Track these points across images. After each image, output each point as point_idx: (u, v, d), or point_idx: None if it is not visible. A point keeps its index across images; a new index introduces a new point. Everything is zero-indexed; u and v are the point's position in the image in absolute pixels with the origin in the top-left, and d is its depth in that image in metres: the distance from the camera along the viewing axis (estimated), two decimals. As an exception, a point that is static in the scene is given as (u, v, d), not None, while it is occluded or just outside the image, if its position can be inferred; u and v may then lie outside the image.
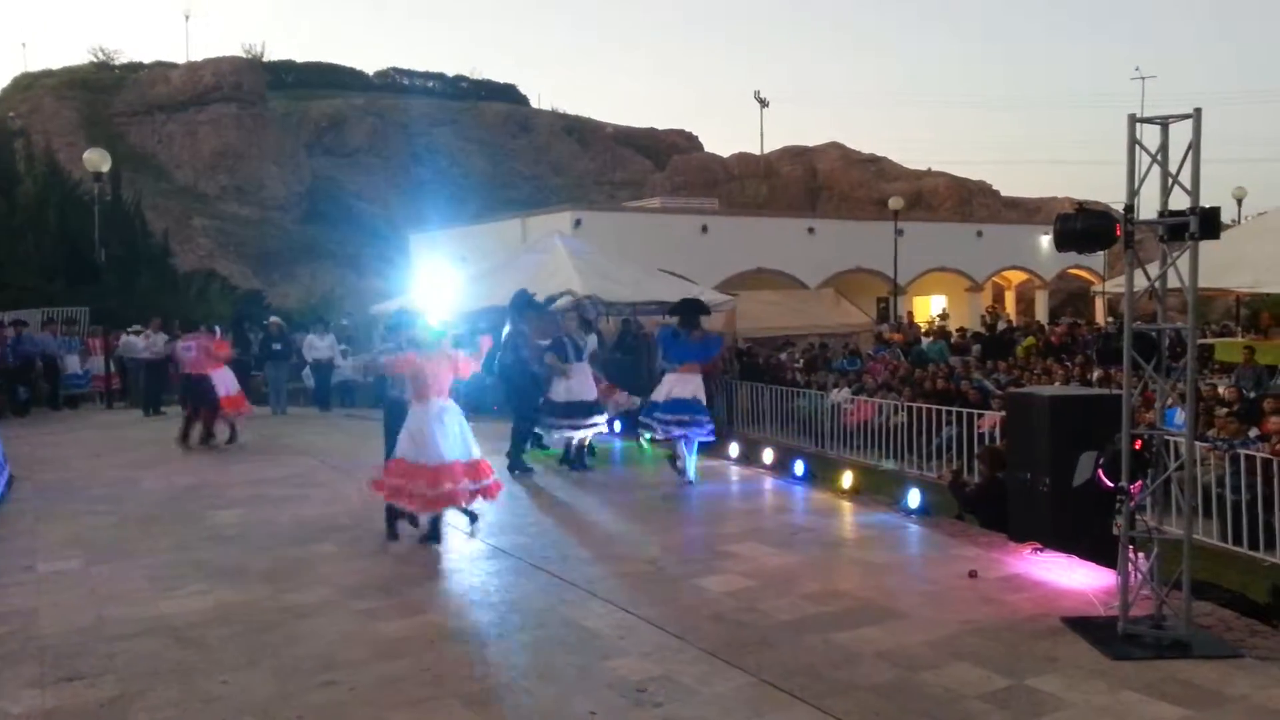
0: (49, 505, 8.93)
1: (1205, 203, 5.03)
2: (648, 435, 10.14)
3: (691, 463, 9.59)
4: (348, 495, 9.19)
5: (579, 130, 49.45)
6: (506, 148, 45.91)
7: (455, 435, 7.15)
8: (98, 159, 19.29)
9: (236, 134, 38.14)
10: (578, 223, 22.84)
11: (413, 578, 6.51)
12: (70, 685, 4.69)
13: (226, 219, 36.17)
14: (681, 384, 9.55)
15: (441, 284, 18.08)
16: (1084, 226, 5.15)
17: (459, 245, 24.51)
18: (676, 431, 9.51)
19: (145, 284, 23.25)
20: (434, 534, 7.29)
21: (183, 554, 7.09)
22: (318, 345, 17.00)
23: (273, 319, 17.46)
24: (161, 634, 5.40)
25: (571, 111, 52.12)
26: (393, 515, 7.45)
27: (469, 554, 7.15)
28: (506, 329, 10.45)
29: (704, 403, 9.68)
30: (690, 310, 9.96)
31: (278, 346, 16.23)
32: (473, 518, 7.62)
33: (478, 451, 7.32)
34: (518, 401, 10.33)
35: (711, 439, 9.92)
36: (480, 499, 7.32)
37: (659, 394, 9.67)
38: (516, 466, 9.92)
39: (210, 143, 38.09)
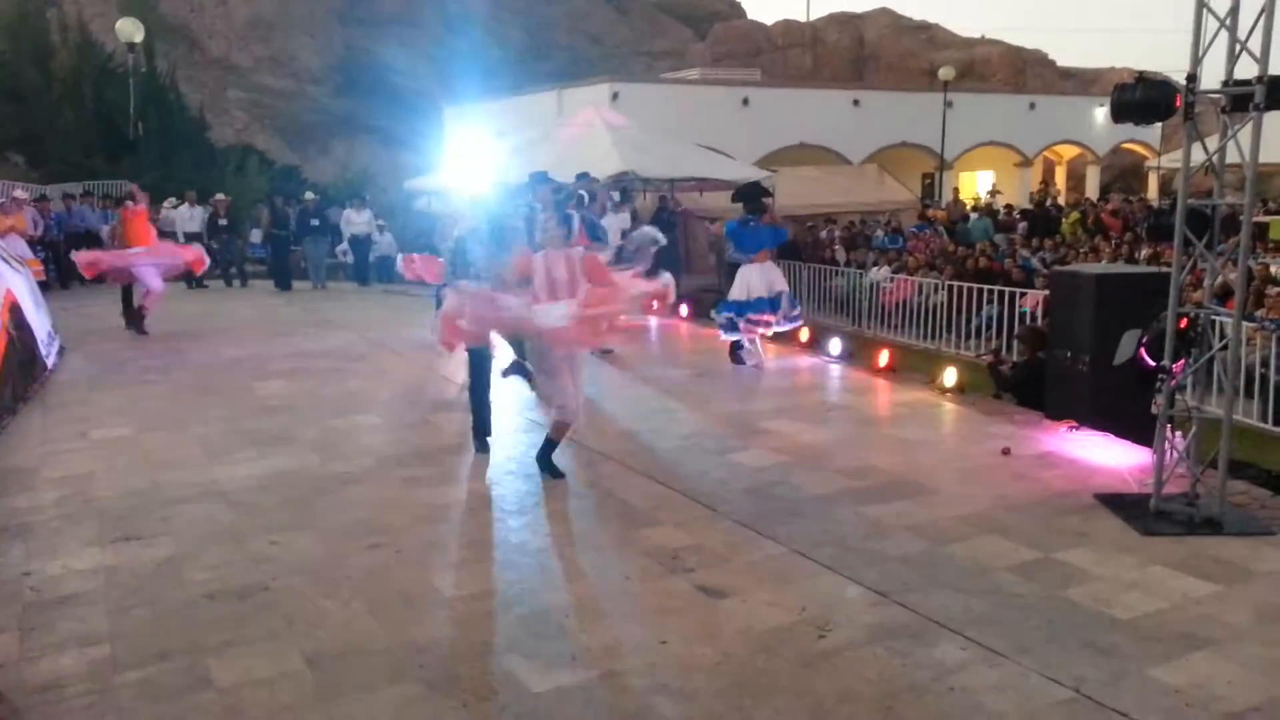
0: (99, 375, 9.20)
1: (1276, 75, 4.78)
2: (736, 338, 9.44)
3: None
4: (389, 369, 9.37)
5: (617, -3, 47.73)
6: (542, 16, 44.51)
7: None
8: (130, 28, 19.03)
9: (268, 1, 37.33)
10: (615, 95, 22.31)
11: (453, 448, 6.66)
12: (128, 545, 4.92)
13: (261, 91, 35.78)
14: (760, 275, 9.18)
15: (477, 158, 17.86)
16: (1143, 96, 4.93)
17: (495, 118, 24.10)
18: (764, 330, 9.26)
19: (183, 158, 23.26)
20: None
21: (232, 423, 7.31)
22: (355, 220, 17.04)
23: (308, 194, 17.48)
24: (214, 498, 5.62)
25: (610, -23, 50.17)
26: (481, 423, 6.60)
27: (507, 426, 7.29)
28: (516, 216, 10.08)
29: (788, 290, 9.47)
30: (756, 195, 9.61)
31: (315, 222, 16.29)
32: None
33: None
34: None
35: (799, 323, 9.69)
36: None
37: (739, 291, 9.22)
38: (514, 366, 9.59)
39: (242, 11, 37.36)
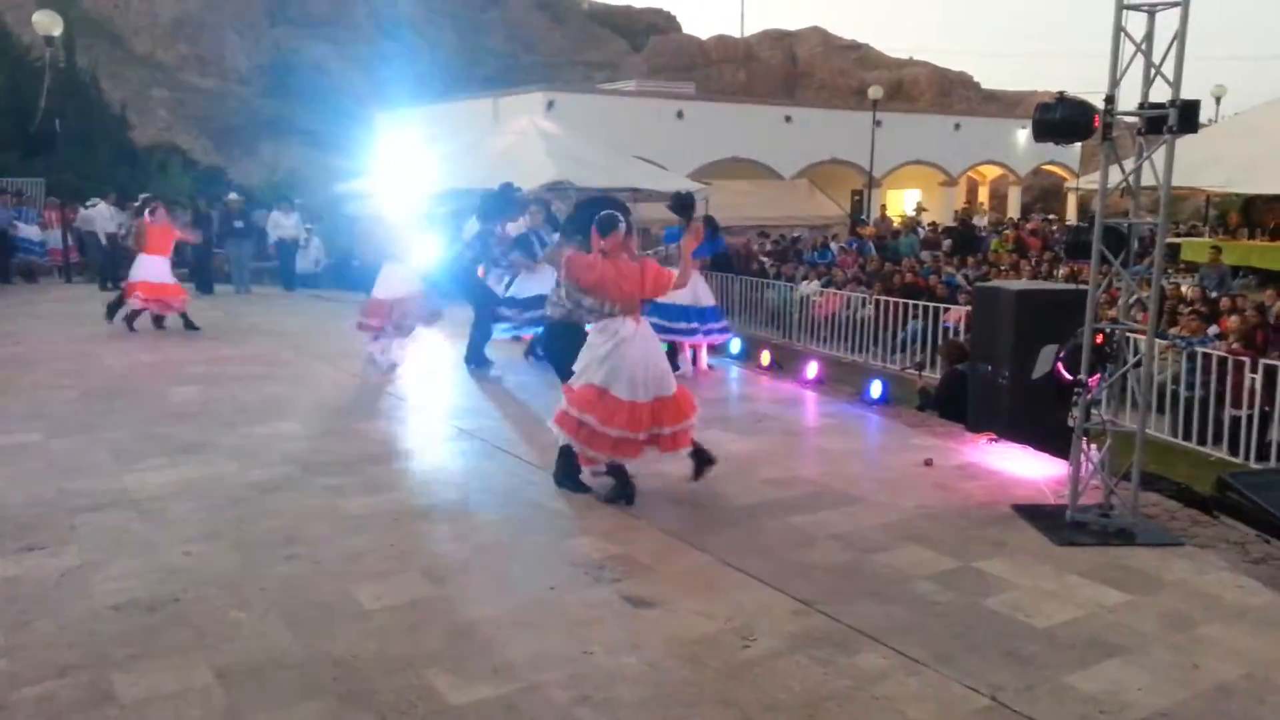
0: (9, 378, 8.82)
1: (1189, 99, 4.97)
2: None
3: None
4: (313, 375, 9.16)
5: (552, 6, 47.73)
6: (476, 22, 44.29)
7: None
8: (48, 21, 18.35)
9: (196, 0, 36.45)
10: (550, 104, 22.30)
11: (377, 457, 6.53)
12: (31, 554, 4.71)
13: (187, 90, 34.88)
14: (693, 286, 9.05)
15: (409, 163, 17.66)
16: (1062, 116, 5.08)
17: (427, 123, 23.87)
18: (689, 338, 9.25)
19: (102, 157, 22.53)
20: (623, 491, 5.60)
21: (145, 429, 7.06)
22: (282, 223, 16.68)
23: (232, 195, 17.07)
24: (123, 507, 5.41)
25: (545, -14, 50.16)
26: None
27: (433, 435, 7.18)
28: (471, 223, 10.02)
29: (715, 304, 9.49)
30: (693, 204, 9.57)
31: (239, 224, 15.91)
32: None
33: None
34: (479, 297, 9.53)
35: (727, 337, 9.69)
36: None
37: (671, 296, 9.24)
38: (474, 360, 9.42)
39: (168, 8, 36.41)
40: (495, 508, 5.56)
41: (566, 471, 5.78)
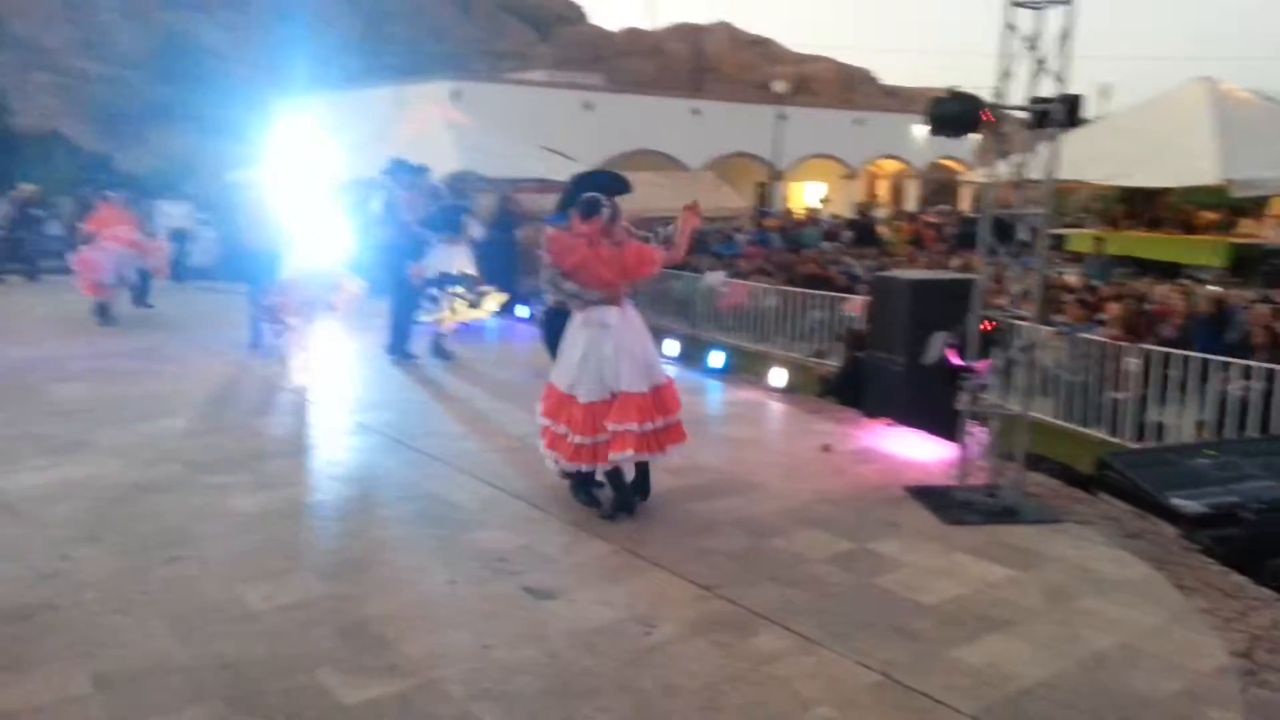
0: None
1: (1073, 94, 5.17)
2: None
3: None
4: (202, 370, 8.84)
5: (459, -6, 46.92)
6: (381, 9, 43.20)
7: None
8: (-90, -1, 17.25)
9: (79, -21, 34.71)
10: (456, 94, 21.96)
11: (270, 453, 6.34)
12: (-109, 563, 4.43)
13: (72, 75, 33.19)
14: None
15: (309, 152, 17.14)
16: (953, 110, 5.24)
17: (329, 111, 23.24)
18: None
19: (-24, 143, 21.31)
20: (621, 503, 5.28)
21: (20, 428, 6.70)
22: (172, 213, 16.04)
23: (110, 192, 16.33)
24: (-5, 510, 5.13)
25: (450, -26, 49.27)
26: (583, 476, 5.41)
27: (331, 429, 7.01)
28: (376, 200, 9.91)
29: None
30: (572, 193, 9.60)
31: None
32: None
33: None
34: (399, 278, 9.42)
35: None
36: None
37: None
38: (397, 352, 9.35)
39: (49, -12, 34.55)
40: (393, 503, 5.46)
41: (579, 483, 5.40)
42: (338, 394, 8.15)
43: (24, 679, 3.48)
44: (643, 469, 5.33)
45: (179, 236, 16.17)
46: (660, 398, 5.18)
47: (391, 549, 4.81)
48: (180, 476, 5.77)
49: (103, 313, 11.34)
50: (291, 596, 4.21)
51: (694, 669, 3.71)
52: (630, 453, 5.03)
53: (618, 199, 5.32)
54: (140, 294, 11.98)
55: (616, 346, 5.11)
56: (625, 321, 5.22)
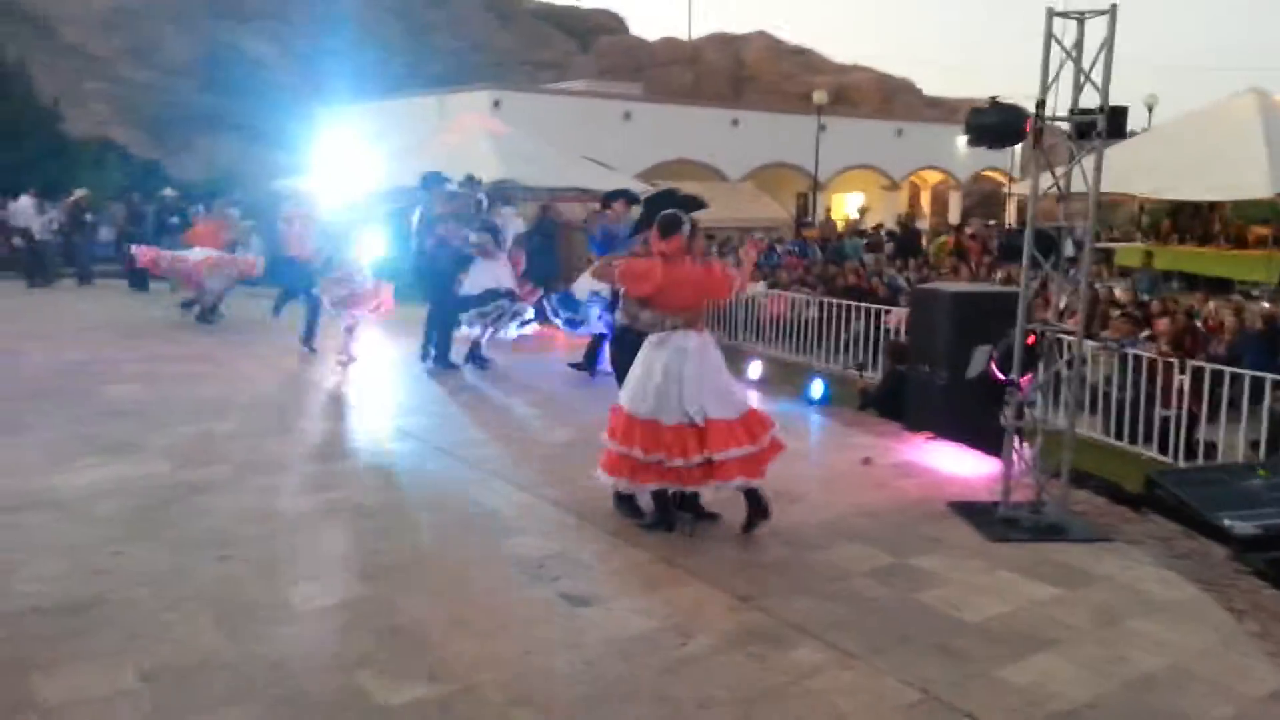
0: (-73, 377, 8.51)
1: (1117, 105, 5.11)
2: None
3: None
4: (251, 374, 8.99)
5: (499, 5, 47.36)
6: (423, 19, 43.77)
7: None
8: (-27, 10, 17.78)
9: (130, -10, 35.52)
10: (497, 103, 22.19)
11: (314, 456, 6.43)
12: (-52, 558, 4.54)
13: (122, 83, 33.96)
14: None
15: (351, 161, 17.40)
16: (995, 121, 5.19)
17: (371, 121, 23.58)
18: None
19: (31, 150, 21.86)
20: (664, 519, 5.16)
21: (73, 429, 6.86)
22: (219, 220, 16.29)
23: (167, 190, 16.71)
24: (48, 508, 5.25)
25: (492, -16, 49.76)
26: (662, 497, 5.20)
27: (373, 435, 7.09)
28: (418, 212, 9.99)
29: None
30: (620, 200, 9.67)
31: (174, 220, 15.55)
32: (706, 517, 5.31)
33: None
34: (440, 289, 9.39)
35: None
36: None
37: (583, 290, 9.17)
38: (440, 361, 9.33)
39: (102, -1, 35.41)
40: (433, 508, 5.51)
41: (622, 497, 5.28)
42: (379, 400, 8.24)
43: (74, 671, 3.56)
44: (752, 494, 5.07)
45: (225, 244, 16.44)
46: (748, 423, 5.00)
47: (431, 554, 4.85)
48: (229, 477, 5.87)
49: (203, 315, 11.79)
50: (334, 598, 4.26)
51: (730, 681, 3.70)
52: (739, 480, 4.89)
53: (695, 215, 5.20)
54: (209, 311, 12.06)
55: (698, 373, 4.93)
56: (703, 346, 5.05)
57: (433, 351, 9.40)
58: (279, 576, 4.46)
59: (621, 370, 5.50)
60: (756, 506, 5.07)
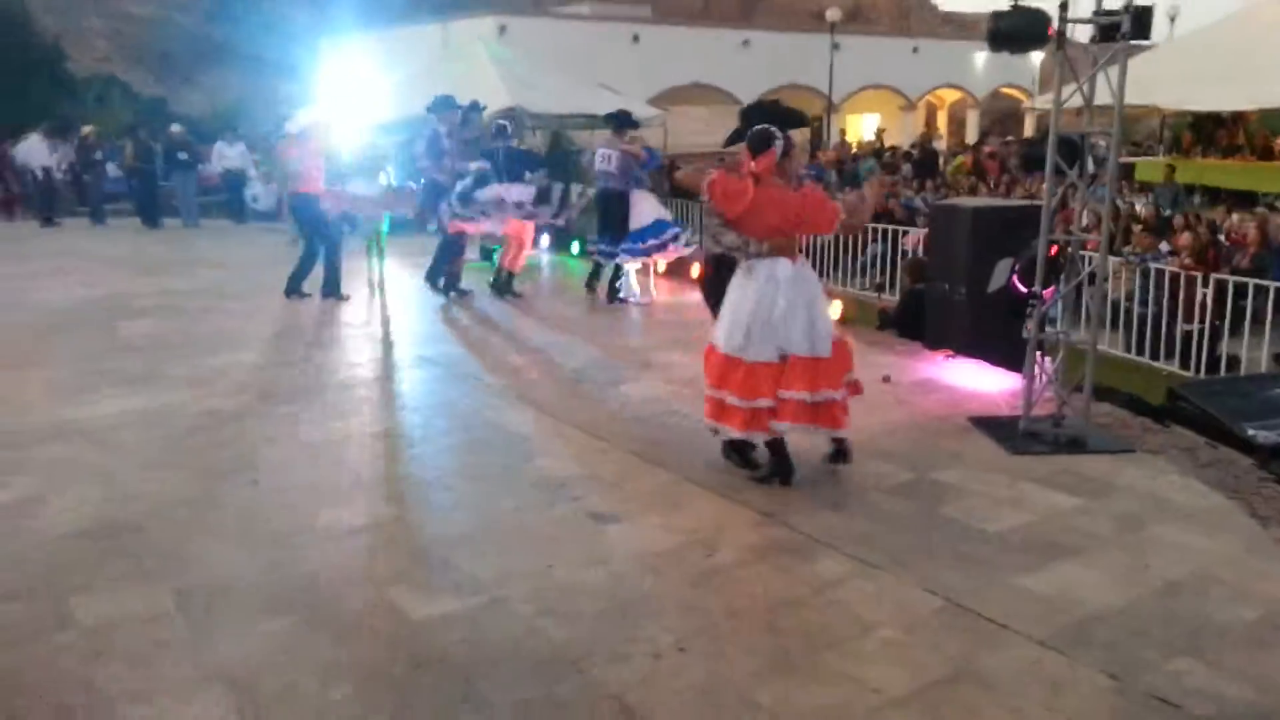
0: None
1: (1142, 4, 4.94)
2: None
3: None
4: (267, 307, 9.00)
5: (504, -72, 46.11)
6: (426, -54, 42.71)
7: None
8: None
9: (128, -78, 34.75)
10: (502, 29, 21.77)
11: (337, 384, 6.46)
12: (-20, 487, 4.62)
13: (124, 19, 33.47)
14: (652, 203, 9.20)
15: (356, 92, 17.15)
16: (1016, 24, 5.03)
17: (375, 50, 23.18)
18: (655, 254, 9.19)
19: (36, 89, 21.66)
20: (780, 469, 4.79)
21: (92, 364, 6.90)
22: (227, 154, 16.22)
23: (174, 126, 16.55)
24: (74, 438, 5.31)
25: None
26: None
27: (394, 362, 7.11)
28: (421, 138, 9.86)
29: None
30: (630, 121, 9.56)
31: (183, 155, 15.45)
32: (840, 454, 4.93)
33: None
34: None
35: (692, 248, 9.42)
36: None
37: (640, 220, 9.06)
38: (449, 288, 9.37)
39: (99, -69, 34.68)
40: (456, 432, 5.54)
41: (733, 445, 4.92)
42: (400, 329, 8.25)
43: (111, 594, 3.62)
44: (836, 440, 4.81)
45: (236, 178, 16.36)
46: (827, 367, 4.61)
47: (456, 476, 4.89)
48: (251, 406, 5.91)
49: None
50: (361, 520, 4.31)
51: (756, 591, 3.74)
52: (788, 424, 4.57)
53: (792, 134, 4.72)
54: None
55: (790, 303, 4.56)
56: (799, 277, 4.65)
57: (441, 281, 9.36)
58: (307, 501, 4.51)
59: (715, 300, 5.15)
60: (838, 451, 4.84)
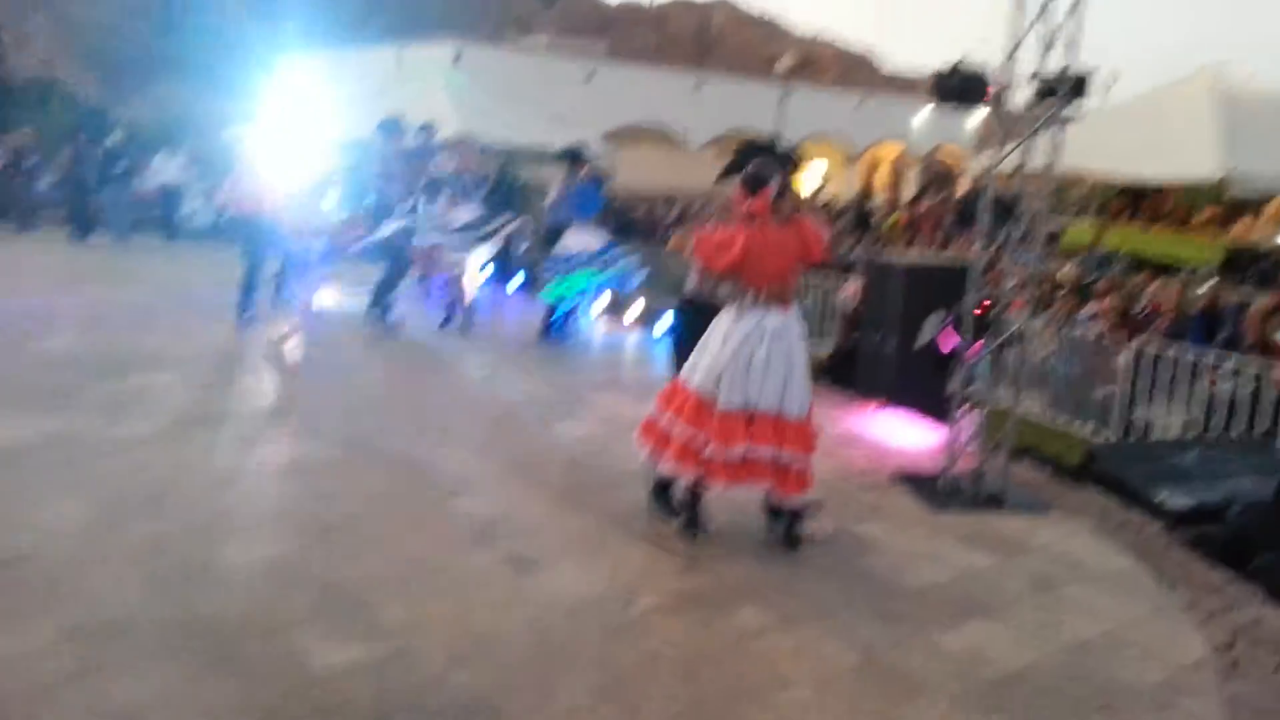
0: None
1: (1080, 70, 5.11)
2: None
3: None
4: (194, 327, 8.77)
5: (463, -43, 46.31)
6: (384, -31, 42.65)
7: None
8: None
9: (78, -75, 34.13)
10: (458, 56, 21.72)
11: (255, 412, 6.30)
12: None
13: (71, 22, 32.72)
14: (593, 238, 9.21)
15: (309, 110, 16.93)
16: (959, 82, 5.18)
17: (328, 70, 22.98)
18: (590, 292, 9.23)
19: (-32, 89, 21.01)
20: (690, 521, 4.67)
21: (3, 379, 6.63)
22: (166, 167, 15.85)
23: (114, 135, 16.15)
24: (-25, 459, 5.08)
25: (455, -64, 48.60)
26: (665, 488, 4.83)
27: (318, 391, 6.96)
28: (370, 159, 9.82)
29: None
30: (580, 156, 9.60)
31: (121, 165, 15.07)
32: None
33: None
34: (389, 241, 9.18)
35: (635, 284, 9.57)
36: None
37: (570, 248, 9.11)
38: (379, 307, 9.22)
39: (46, -67, 33.97)
40: (377, 468, 5.42)
41: (660, 488, 4.78)
42: (325, 358, 8.09)
43: (-2, 627, 3.45)
44: (787, 510, 4.63)
45: (171, 193, 15.99)
46: (798, 431, 4.49)
47: (374, 513, 4.78)
48: (165, 431, 5.71)
49: None
50: (272, 557, 4.18)
51: (674, 642, 3.71)
52: (769, 488, 4.48)
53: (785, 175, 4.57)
54: None
55: (769, 356, 4.39)
56: (786, 330, 4.47)
57: (382, 308, 9.25)
58: (215, 534, 4.36)
59: (681, 350, 4.97)
60: (786, 529, 4.61)
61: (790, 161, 4.70)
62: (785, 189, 4.47)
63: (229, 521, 4.51)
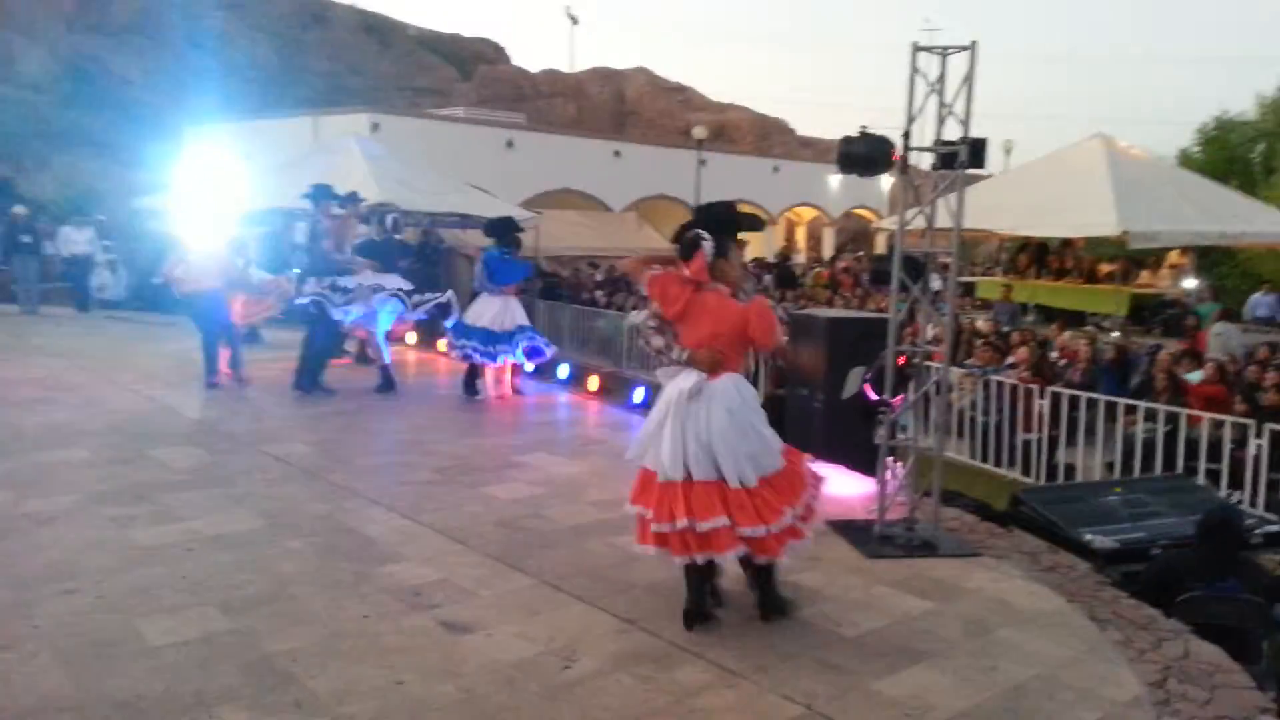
0: None
1: (977, 137, 5.34)
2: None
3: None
4: (105, 399, 8.46)
5: (379, 29, 46.61)
6: (298, 40, 42.61)
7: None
8: None
9: (-21, -2, 33.44)
10: (375, 126, 21.75)
11: (172, 485, 6.06)
12: None
13: (-32, 96, 31.82)
14: (503, 308, 9.18)
15: (221, 181, 16.71)
16: (864, 150, 5.35)
17: (242, 140, 22.74)
18: (492, 359, 9.21)
19: None
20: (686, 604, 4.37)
21: (-102, 458, 6.29)
22: (75, 239, 15.45)
23: (17, 208, 15.69)
24: None
25: (371, 8, 49.14)
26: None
27: (240, 461, 6.74)
28: (300, 227, 9.79)
29: (529, 324, 9.51)
30: (510, 229, 9.66)
31: (26, 238, 14.62)
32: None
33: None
34: (315, 317, 9.11)
35: (545, 357, 9.66)
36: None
37: (479, 318, 9.18)
38: (306, 385, 9.09)
39: (-55, 5, 33.21)
40: (303, 536, 5.25)
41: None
42: (249, 425, 7.87)
43: (-109, 722, 3.21)
44: (764, 576, 4.43)
45: (81, 264, 15.56)
46: (748, 498, 4.21)
47: (300, 583, 4.61)
48: (76, 508, 5.47)
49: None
50: (192, 632, 3.99)
51: (614, 703, 3.63)
52: (731, 552, 4.21)
53: (740, 237, 4.46)
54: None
55: (679, 423, 4.20)
56: (717, 393, 4.23)
57: (310, 377, 9.12)
58: (132, 611, 4.16)
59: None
60: (760, 595, 4.43)
61: (749, 225, 4.60)
62: (724, 253, 4.33)
63: (146, 598, 4.31)
